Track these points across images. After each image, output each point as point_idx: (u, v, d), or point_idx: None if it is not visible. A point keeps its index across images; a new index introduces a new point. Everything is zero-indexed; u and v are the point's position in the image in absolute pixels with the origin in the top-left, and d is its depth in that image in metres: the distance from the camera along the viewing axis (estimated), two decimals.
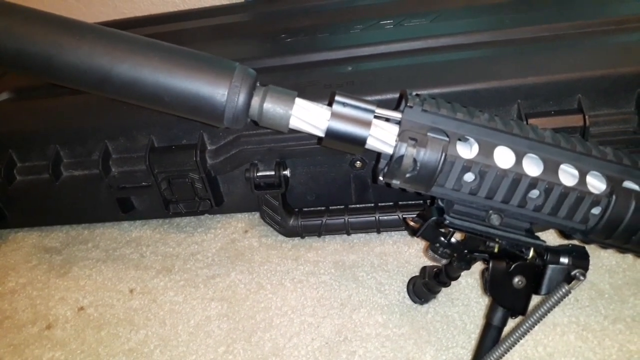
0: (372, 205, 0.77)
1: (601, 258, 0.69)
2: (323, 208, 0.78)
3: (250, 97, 0.44)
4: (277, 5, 0.95)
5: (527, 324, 0.48)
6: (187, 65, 0.44)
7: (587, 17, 0.74)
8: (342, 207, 0.77)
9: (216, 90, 0.43)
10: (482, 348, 0.50)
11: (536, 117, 0.66)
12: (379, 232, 0.77)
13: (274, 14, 0.94)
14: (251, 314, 0.70)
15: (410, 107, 0.44)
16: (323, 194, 0.78)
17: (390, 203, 0.76)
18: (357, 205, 0.77)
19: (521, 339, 0.48)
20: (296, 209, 0.78)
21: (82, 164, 0.78)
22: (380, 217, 0.75)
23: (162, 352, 0.67)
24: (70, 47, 0.43)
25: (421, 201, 0.76)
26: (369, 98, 0.65)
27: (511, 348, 0.49)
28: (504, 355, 0.49)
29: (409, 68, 0.72)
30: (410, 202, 0.76)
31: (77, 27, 0.44)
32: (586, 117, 0.65)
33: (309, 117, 0.45)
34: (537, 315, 0.47)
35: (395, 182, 0.45)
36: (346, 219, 0.76)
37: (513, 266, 0.48)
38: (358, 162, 0.72)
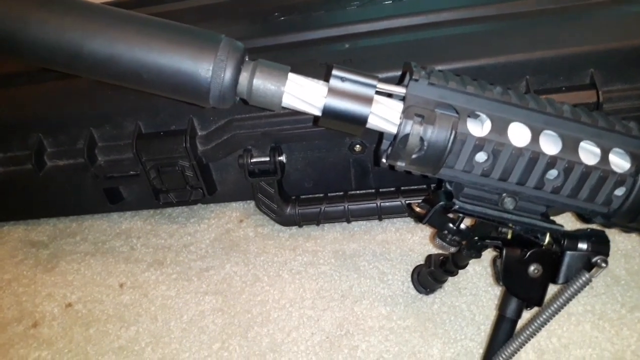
0: (373, 191, 0.74)
1: (616, 242, 0.66)
2: (321, 195, 0.75)
3: (238, 72, 0.40)
4: None
5: (544, 316, 0.45)
6: (167, 39, 0.39)
7: None
8: (341, 193, 0.75)
9: (200, 65, 0.39)
10: (495, 342, 0.47)
11: (546, 93, 0.62)
12: (380, 219, 0.74)
13: None
14: (247, 307, 0.67)
15: (416, 80, 0.40)
16: (321, 180, 0.75)
17: (392, 189, 0.74)
18: (357, 192, 0.75)
19: (537, 332, 0.45)
20: (293, 197, 0.75)
21: (66, 153, 0.74)
22: (381, 204, 0.72)
23: (154, 349, 0.64)
24: (36, 21, 0.39)
25: (424, 186, 0.73)
26: None
27: (526, 342, 0.45)
28: (519, 351, 0.46)
29: (409, 44, 0.69)
30: (413, 187, 0.73)
31: None
32: (599, 92, 0.62)
33: (303, 94, 0.41)
34: (554, 306, 0.44)
35: (400, 164, 0.41)
36: (346, 206, 0.73)
37: (528, 253, 0.45)
38: (358, 145, 0.69)
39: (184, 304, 0.69)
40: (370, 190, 0.74)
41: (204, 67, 0.39)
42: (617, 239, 0.66)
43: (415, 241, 0.71)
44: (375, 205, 0.72)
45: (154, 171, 0.72)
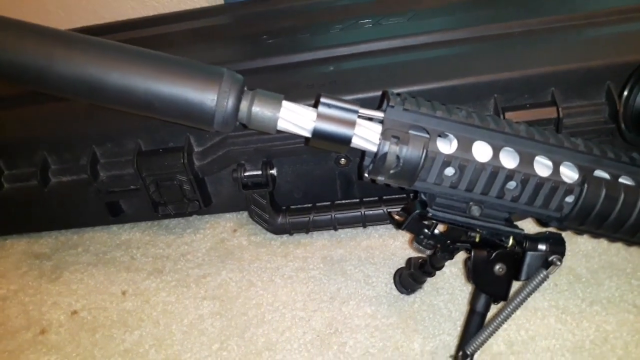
0: (358, 200, 0.78)
1: (578, 243, 0.72)
2: (310, 205, 0.79)
3: (238, 101, 0.46)
4: (257, 6, 0.96)
5: (508, 309, 0.50)
6: (177, 73, 0.45)
7: (558, 12, 0.77)
8: (328, 203, 0.79)
9: (206, 96, 0.45)
10: (467, 334, 0.53)
11: (512, 110, 0.68)
12: (364, 226, 0.79)
13: (254, 16, 0.94)
14: (243, 310, 0.71)
15: (392, 106, 0.46)
16: (309, 191, 0.79)
17: (375, 198, 0.78)
18: (343, 201, 0.79)
19: (504, 323, 0.51)
20: (284, 207, 0.79)
21: (70, 169, 0.78)
22: (365, 212, 0.77)
23: (157, 351, 0.69)
24: (61, 58, 0.44)
25: (404, 195, 0.77)
26: (350, 97, 0.68)
27: (494, 332, 0.51)
28: (487, 340, 0.51)
29: (388, 66, 0.73)
30: (394, 197, 0.77)
31: (67, 38, 0.45)
32: (559, 109, 0.67)
33: (295, 118, 0.47)
34: (518, 300, 0.50)
35: (380, 179, 0.47)
36: (333, 215, 0.77)
37: (494, 254, 0.51)
38: (342, 159, 0.74)
39: (183, 309, 0.73)
40: (354, 200, 0.78)
41: (209, 97, 0.45)
42: (579, 240, 0.72)
43: (397, 246, 0.76)
44: (359, 213, 0.77)
45: (153, 185, 0.76)
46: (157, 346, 0.69)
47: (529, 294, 0.50)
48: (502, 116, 0.67)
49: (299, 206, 0.80)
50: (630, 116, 0.51)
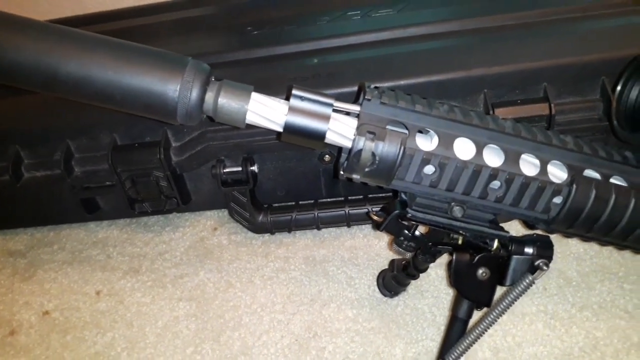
0: (342, 199, 0.76)
1: (569, 245, 0.69)
2: (293, 203, 0.77)
3: (203, 92, 0.43)
4: None
5: (491, 316, 0.47)
6: (138, 62, 0.42)
7: (552, 4, 0.74)
8: (311, 201, 0.77)
9: (168, 86, 0.42)
10: (448, 341, 0.50)
11: (502, 106, 0.66)
12: (349, 225, 0.76)
13: (240, 6, 0.92)
14: (220, 313, 0.69)
15: (369, 100, 0.43)
16: (293, 189, 0.77)
17: (360, 196, 0.76)
18: (327, 200, 0.77)
19: (486, 331, 0.48)
20: (265, 205, 0.77)
21: (43, 164, 0.75)
22: (349, 211, 0.75)
23: (130, 354, 0.66)
24: (14, 45, 0.41)
25: (391, 194, 0.75)
26: (334, 91, 0.65)
27: (477, 340, 0.48)
28: (469, 348, 0.49)
29: (375, 59, 0.71)
30: (379, 195, 0.75)
31: (20, 24, 0.42)
32: (552, 105, 0.65)
33: (266, 111, 0.44)
34: (501, 306, 0.47)
35: (356, 177, 0.44)
36: (316, 213, 0.75)
37: (477, 258, 0.48)
38: (327, 156, 0.72)
39: (158, 310, 0.70)
40: (339, 198, 0.76)
41: (172, 88, 0.42)
42: (570, 242, 0.69)
43: (382, 247, 0.74)
44: (343, 212, 0.74)
45: (129, 182, 0.73)
46: (130, 349, 0.67)
47: (514, 301, 0.47)
48: (492, 112, 0.65)
49: (281, 204, 0.77)
50: (623, 112, 0.48)
